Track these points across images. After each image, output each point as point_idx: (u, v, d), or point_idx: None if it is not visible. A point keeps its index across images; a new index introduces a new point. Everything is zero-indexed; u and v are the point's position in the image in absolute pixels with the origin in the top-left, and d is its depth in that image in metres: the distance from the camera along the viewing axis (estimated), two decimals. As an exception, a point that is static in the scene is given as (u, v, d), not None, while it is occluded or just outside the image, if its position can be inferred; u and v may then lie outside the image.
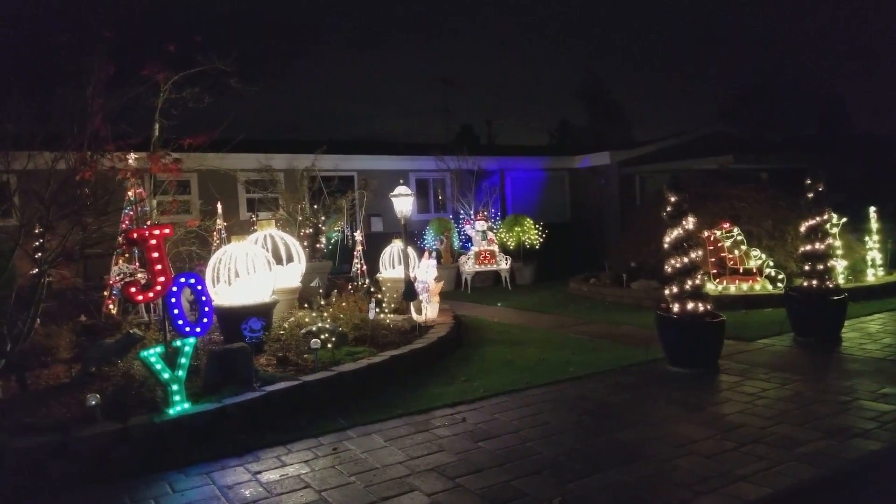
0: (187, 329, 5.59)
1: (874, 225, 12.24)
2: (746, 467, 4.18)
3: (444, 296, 10.41)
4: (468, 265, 14.59)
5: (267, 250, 8.31)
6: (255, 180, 14.13)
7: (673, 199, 6.97)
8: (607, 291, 12.43)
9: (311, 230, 12.37)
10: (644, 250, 12.13)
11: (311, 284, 9.35)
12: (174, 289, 5.60)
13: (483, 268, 14.66)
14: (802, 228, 8.31)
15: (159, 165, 8.26)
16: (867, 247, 12.18)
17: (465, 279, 14.65)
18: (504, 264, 14.68)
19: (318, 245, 12.31)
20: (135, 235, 5.68)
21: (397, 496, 4.02)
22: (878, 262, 12.22)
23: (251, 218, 12.41)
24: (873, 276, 11.99)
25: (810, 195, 8.31)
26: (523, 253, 15.49)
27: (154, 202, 9.03)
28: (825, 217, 8.27)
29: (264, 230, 8.95)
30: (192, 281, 5.82)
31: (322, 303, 8.65)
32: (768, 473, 4.07)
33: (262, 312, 7.27)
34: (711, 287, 11.00)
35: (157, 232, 5.63)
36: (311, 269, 9.83)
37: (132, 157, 8.33)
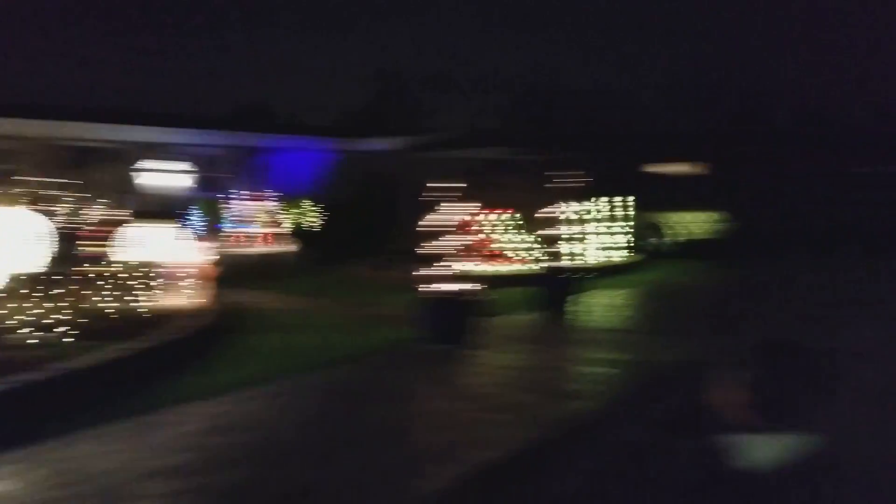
0: None
1: (623, 212, 13.87)
2: (489, 432, 4.53)
3: (215, 280, 9.87)
4: (243, 248, 14.00)
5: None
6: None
7: (442, 185, 7.24)
8: (384, 274, 12.63)
9: (57, 207, 11.04)
10: (419, 233, 12.53)
11: (48, 268, 8.31)
12: None
13: (259, 250, 14.16)
14: (549, 214, 9.11)
15: None
16: (612, 231, 13.75)
17: (241, 262, 14.03)
18: (282, 247, 14.32)
19: (60, 224, 11.01)
20: None
21: (135, 501, 3.69)
22: (622, 244, 13.86)
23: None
24: (619, 257, 13.56)
25: (559, 186, 9.14)
26: (305, 235, 15.24)
27: None
28: (571, 204, 9.15)
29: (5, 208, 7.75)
30: None
31: (56, 289, 7.71)
32: (505, 436, 4.45)
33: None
34: (474, 268, 11.66)
35: None
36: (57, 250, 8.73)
37: None
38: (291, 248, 14.47)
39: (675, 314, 8.92)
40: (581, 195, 12.16)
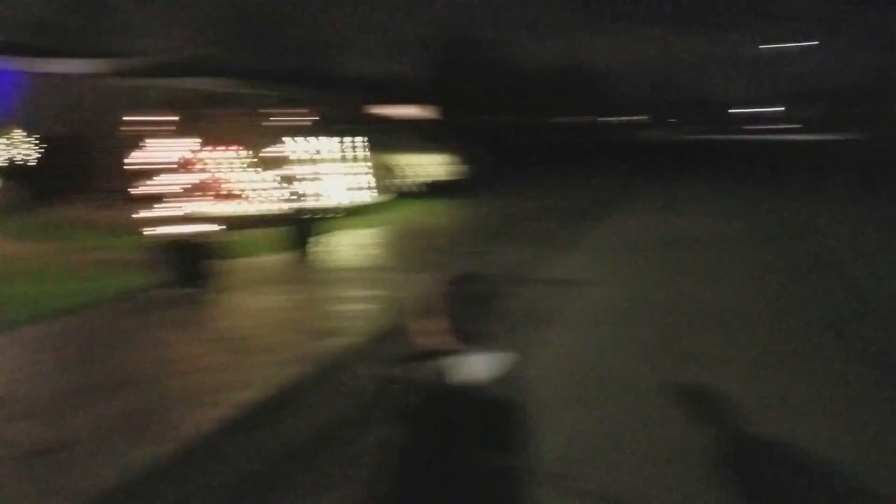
0: None
1: (362, 152, 14.23)
2: (237, 375, 4.65)
3: None
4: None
5: None
6: None
7: (148, 118, 6.86)
8: (106, 215, 11.54)
9: None
10: (133, 173, 11.59)
11: None
12: None
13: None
14: (280, 152, 9.12)
15: None
16: (353, 172, 14.12)
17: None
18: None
19: None
20: None
21: None
22: (365, 184, 14.31)
23: None
24: (359, 198, 14.01)
25: (287, 123, 9.18)
26: (11, 170, 13.12)
27: None
28: (308, 142, 9.27)
29: None
30: None
31: None
32: (256, 378, 4.60)
33: None
34: (207, 208, 11.24)
35: None
36: None
37: None
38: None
39: (417, 251, 9.64)
40: (312, 133, 12.29)
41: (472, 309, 1.94)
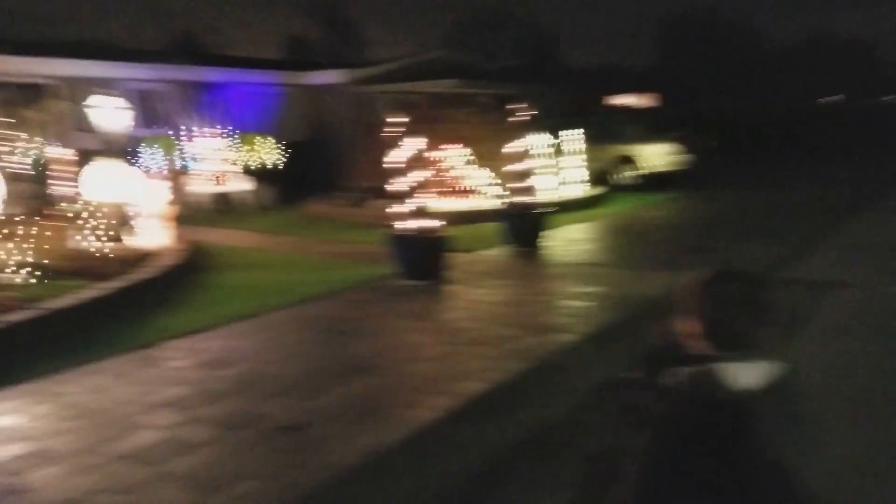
0: None
1: (579, 146, 14.06)
2: (467, 366, 4.71)
3: (176, 220, 9.73)
4: (201, 186, 13.71)
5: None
6: None
7: (397, 120, 7.25)
8: (346, 211, 12.67)
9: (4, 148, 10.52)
10: (378, 170, 12.49)
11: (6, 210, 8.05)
12: None
13: (218, 189, 13.89)
14: (510, 149, 9.22)
15: None
16: (572, 166, 13.98)
17: (199, 201, 13.76)
18: (242, 185, 14.07)
19: (9, 166, 10.53)
20: None
21: (127, 435, 3.81)
22: (582, 179, 14.13)
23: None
24: (580, 190, 13.86)
25: (515, 119, 9.23)
26: (264, 173, 14.96)
27: None
28: (531, 138, 9.26)
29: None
30: None
31: (24, 232, 7.52)
32: (486, 370, 4.64)
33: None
34: (439, 204, 11.79)
35: None
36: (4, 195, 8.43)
37: None
38: (249, 185, 14.24)
39: (643, 246, 9.22)
40: (540, 128, 12.30)
41: (732, 310, 1.69)
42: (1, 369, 4.82)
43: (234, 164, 14.25)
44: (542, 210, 9.18)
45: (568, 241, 9.59)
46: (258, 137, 15.19)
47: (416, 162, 7.27)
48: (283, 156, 15.35)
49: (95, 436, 3.82)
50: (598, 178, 15.16)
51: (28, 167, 11.57)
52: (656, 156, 15.66)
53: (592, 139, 15.29)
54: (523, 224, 9.09)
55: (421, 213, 7.27)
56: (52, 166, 9.18)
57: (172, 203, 8.87)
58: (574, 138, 14.07)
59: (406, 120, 7.26)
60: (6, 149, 10.50)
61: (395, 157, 7.24)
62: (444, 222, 7.51)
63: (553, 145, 13.37)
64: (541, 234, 9.22)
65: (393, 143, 7.31)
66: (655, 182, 15.36)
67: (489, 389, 4.31)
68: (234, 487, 3.22)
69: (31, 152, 11.77)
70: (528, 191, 9.12)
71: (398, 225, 7.31)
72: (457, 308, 6.30)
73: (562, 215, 11.30)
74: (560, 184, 13.60)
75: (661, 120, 18.25)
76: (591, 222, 11.37)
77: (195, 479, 3.31)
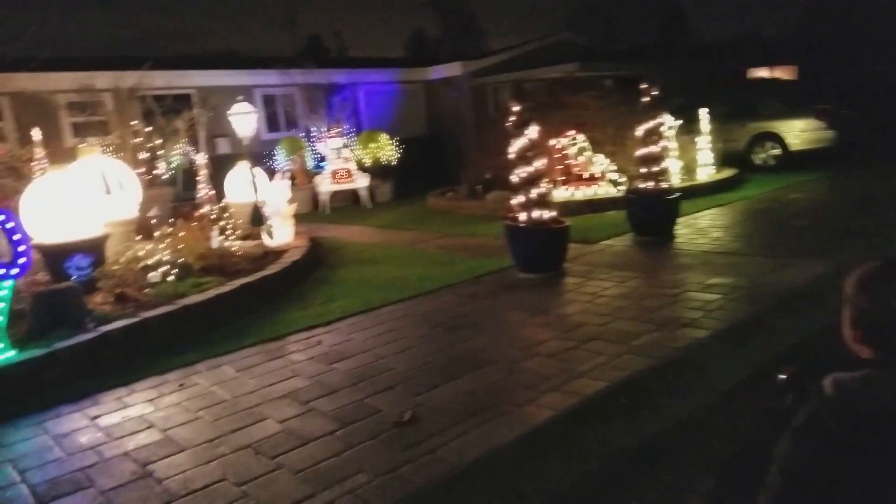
0: (0, 271, 5.01)
1: (706, 126, 13.16)
2: (586, 363, 4.44)
3: (300, 218, 10.11)
4: (324, 185, 14.18)
5: (95, 179, 7.58)
6: (78, 102, 12.74)
7: (516, 108, 7.03)
8: (463, 204, 12.61)
9: (147, 155, 11.42)
10: (497, 161, 12.33)
11: (149, 214, 8.69)
12: (-24, 228, 4.96)
13: (340, 187, 14.31)
14: (638, 132, 8.72)
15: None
16: (699, 147, 13.12)
17: (322, 199, 14.26)
18: (361, 182, 14.41)
19: (155, 171, 11.42)
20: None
21: (248, 427, 3.91)
22: (710, 161, 13.23)
23: (78, 145, 11.25)
24: (706, 174, 13.00)
25: (645, 100, 8.71)
26: (381, 169, 15.25)
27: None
28: (658, 121, 8.71)
29: (88, 157, 8.10)
30: (1, 217, 5.17)
31: (164, 232, 8.08)
32: (605, 367, 4.35)
33: (91, 248, 6.65)
34: (558, 193, 11.45)
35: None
36: (148, 198, 9.11)
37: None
38: (369, 182, 14.54)
39: (784, 232, 8.44)
40: (668, 109, 11.62)
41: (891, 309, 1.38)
42: (137, 362, 5.14)
43: (355, 161, 14.59)
44: (671, 196, 8.62)
45: (699, 229, 8.94)
46: (379, 134, 15.48)
47: (535, 150, 7.02)
48: (403, 151, 15.53)
49: (217, 427, 3.94)
50: (732, 158, 14.12)
51: (171, 172, 12.51)
52: (798, 132, 14.30)
53: (726, 117, 14.26)
54: (651, 211, 8.58)
55: (540, 202, 7.02)
56: (194, 171, 9.80)
57: (294, 202, 9.18)
58: (705, 117, 13.18)
59: (524, 108, 7.02)
60: (149, 155, 11.37)
61: (514, 146, 7.03)
62: (565, 212, 7.21)
63: (682, 126, 12.59)
64: (670, 221, 8.68)
65: (511, 132, 7.10)
66: (797, 161, 14.06)
67: (608, 388, 4.03)
68: (346, 482, 3.20)
69: (174, 158, 12.70)
70: (657, 176, 8.59)
71: (516, 216, 7.11)
72: (577, 301, 6.00)
73: (692, 201, 10.62)
74: (690, 166, 12.79)
75: (802, 93, 16.71)
76: (725, 207, 10.57)
77: (309, 472, 3.32)
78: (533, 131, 6.98)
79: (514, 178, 7.13)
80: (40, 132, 9.79)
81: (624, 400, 3.87)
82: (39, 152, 9.51)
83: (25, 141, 9.89)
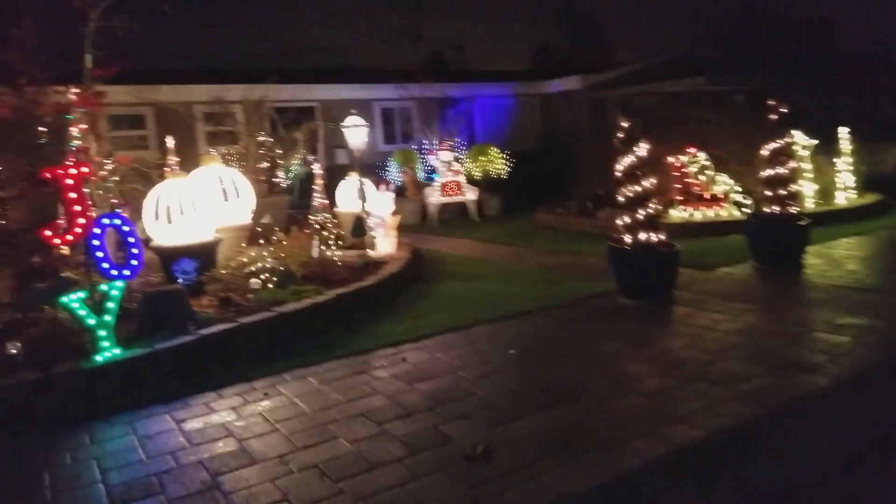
0: (113, 272, 5.30)
1: (846, 147, 12.01)
2: (684, 407, 4.03)
3: (408, 229, 10.16)
4: (433, 197, 14.23)
5: (213, 186, 7.97)
6: (210, 113, 13.55)
7: (624, 124, 6.66)
8: (573, 221, 12.21)
9: (268, 164, 11.92)
10: (610, 178, 11.85)
11: (263, 220, 9.00)
12: (96, 230, 5.27)
13: (449, 199, 14.31)
14: (764, 152, 8.03)
15: (90, 98, 7.73)
16: (838, 169, 11.99)
17: (431, 211, 14.32)
18: (471, 195, 14.34)
19: (274, 179, 11.88)
20: (48, 175, 5.30)
21: (319, 444, 3.84)
22: (850, 184, 12.06)
23: (209, 153, 11.94)
24: (845, 199, 11.86)
25: (773, 117, 8.01)
26: (491, 183, 15.11)
27: (93, 139, 8.53)
28: (787, 140, 7.99)
29: (209, 165, 8.53)
30: (118, 222, 5.48)
31: (278, 240, 8.34)
32: (706, 413, 3.92)
33: (202, 252, 6.95)
34: (675, 214, 10.82)
35: (73, 171, 5.26)
36: (263, 205, 9.46)
37: (72, 91, 7.79)
38: (478, 195, 14.44)
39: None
40: (803, 126, 10.70)
41: None
42: (231, 366, 5.26)
43: (466, 174, 14.54)
44: (800, 222, 7.86)
45: (832, 260, 8.09)
46: (489, 148, 15.36)
47: (644, 168, 6.62)
48: (515, 165, 15.32)
49: (291, 441, 3.91)
50: (878, 182, 12.79)
51: (288, 181, 12.99)
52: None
53: (873, 137, 12.96)
54: (777, 238, 7.86)
55: (647, 224, 6.59)
56: (311, 180, 10.10)
57: (398, 213, 9.22)
58: (845, 136, 12.03)
59: (642, 123, 6.65)
60: (268, 164, 11.86)
61: (627, 162, 6.66)
62: (682, 233, 6.70)
63: (819, 145, 11.55)
64: (797, 250, 7.91)
65: (626, 148, 6.74)
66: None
67: (706, 437, 3.62)
68: (405, 517, 3.04)
69: (294, 168, 13.19)
70: (786, 199, 7.87)
71: (621, 237, 6.72)
72: (682, 335, 5.54)
73: (827, 227, 9.68)
74: (828, 190, 11.71)
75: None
76: (865, 236, 9.54)
77: (370, 501, 3.18)
78: (642, 148, 6.58)
79: (619, 198, 6.75)
80: (175, 140, 10.43)
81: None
82: (173, 159, 10.14)
83: (165, 149, 10.58)
